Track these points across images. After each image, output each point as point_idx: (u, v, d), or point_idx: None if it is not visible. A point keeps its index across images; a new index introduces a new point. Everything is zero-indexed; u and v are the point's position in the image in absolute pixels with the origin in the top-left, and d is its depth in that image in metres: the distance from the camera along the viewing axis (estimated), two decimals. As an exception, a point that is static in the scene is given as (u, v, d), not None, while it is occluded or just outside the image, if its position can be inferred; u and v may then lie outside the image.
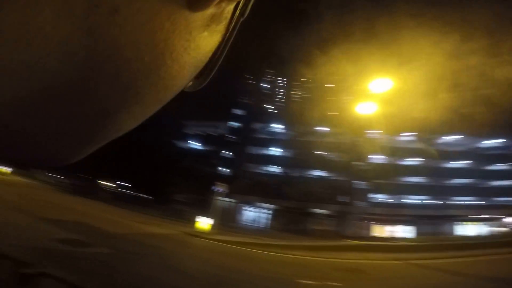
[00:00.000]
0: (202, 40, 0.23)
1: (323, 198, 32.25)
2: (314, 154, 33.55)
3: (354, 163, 32.53)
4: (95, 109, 0.20)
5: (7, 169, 23.34)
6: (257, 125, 42.30)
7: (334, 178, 32.90)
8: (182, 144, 49.36)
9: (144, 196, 40.13)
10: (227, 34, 0.28)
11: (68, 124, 0.20)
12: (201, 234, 13.37)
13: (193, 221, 19.38)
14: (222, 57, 0.30)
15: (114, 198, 33.42)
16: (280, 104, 48.63)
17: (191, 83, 0.30)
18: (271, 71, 51.88)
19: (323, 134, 35.51)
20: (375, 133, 31.03)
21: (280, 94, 50.69)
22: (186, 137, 49.90)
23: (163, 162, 39.16)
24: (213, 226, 14.61)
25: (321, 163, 32.32)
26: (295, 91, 49.08)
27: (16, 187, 16.52)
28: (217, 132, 47.94)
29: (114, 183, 41.27)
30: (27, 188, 18.04)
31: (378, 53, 23.16)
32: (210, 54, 0.27)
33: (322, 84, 38.06)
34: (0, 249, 2.51)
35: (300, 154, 34.43)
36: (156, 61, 0.20)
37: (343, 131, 32.45)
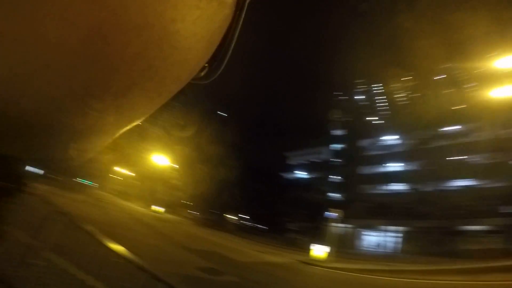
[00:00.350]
0: (212, 10, 0.22)
1: (477, 211, 24.33)
2: (449, 160, 26.47)
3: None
4: (105, 85, 0.18)
5: (160, 209, 30.74)
6: (364, 142, 38.59)
7: (487, 185, 24.40)
8: (289, 175, 51.36)
9: (261, 226, 43.89)
10: (237, 12, 0.27)
11: (76, 104, 0.18)
12: (316, 262, 12.72)
13: (308, 249, 18.93)
14: (234, 39, 0.27)
15: (237, 229, 38.17)
16: (384, 113, 42.98)
17: (205, 70, 0.28)
18: (361, 80, 47.91)
19: (454, 134, 28.12)
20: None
21: (381, 102, 44.98)
22: (292, 168, 51.58)
23: (274, 194, 42.10)
24: (329, 253, 13.61)
25: (464, 170, 25.05)
26: (397, 94, 42.60)
27: (169, 223, 21.26)
28: (321, 158, 46.89)
29: (237, 216, 47.24)
30: (175, 223, 22.77)
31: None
32: (221, 31, 0.25)
33: (428, 77, 31.57)
34: (154, 273, 3.13)
35: (430, 164, 27.85)
36: (167, 29, 0.19)
37: (481, 125, 24.77)
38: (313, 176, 42.71)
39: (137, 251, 7.32)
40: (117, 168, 44.33)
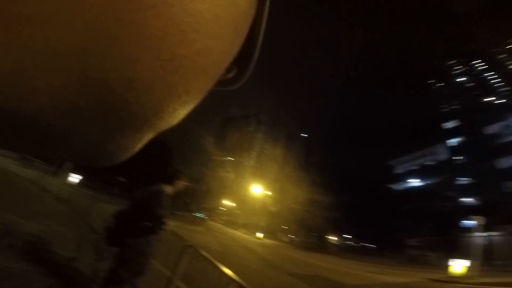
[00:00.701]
0: None
1: None
2: None
3: None
4: (124, 79, 0.15)
5: (260, 235, 32.06)
6: (492, 128, 30.41)
7: None
8: (399, 186, 45.33)
9: (369, 245, 39.46)
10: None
11: (92, 100, 0.15)
12: (455, 279, 10.47)
13: (439, 266, 15.90)
14: (262, 32, 0.24)
15: (341, 250, 35.56)
16: (502, 88, 32.64)
17: (234, 71, 0.25)
18: (454, 61, 38.94)
19: None
20: None
21: (491, 77, 34.45)
22: (400, 177, 45.69)
23: (383, 209, 38.01)
24: (470, 268, 10.78)
25: None
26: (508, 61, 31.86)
27: (270, 248, 21.76)
28: (436, 158, 39.27)
29: (339, 236, 44.11)
30: (276, 248, 23.08)
31: None
32: (246, 20, 0.21)
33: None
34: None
35: None
36: (187, 9, 0.16)
37: None
38: (431, 181, 36.06)
39: (245, 277, 7.85)
40: (223, 201, 50.27)
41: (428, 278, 11.15)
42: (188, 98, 0.20)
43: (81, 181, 16.21)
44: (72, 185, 14.40)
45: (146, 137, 0.21)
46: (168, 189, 2.23)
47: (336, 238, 44.12)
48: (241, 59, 0.24)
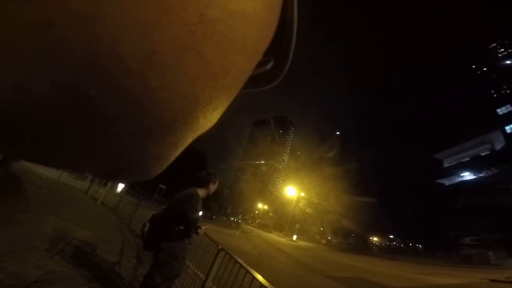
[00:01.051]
0: None
1: None
2: None
3: None
4: (142, 51, 0.11)
5: (295, 237, 31.41)
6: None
7: None
8: (449, 181, 41.59)
9: (418, 246, 36.58)
10: None
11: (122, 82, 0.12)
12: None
13: (501, 266, 14.93)
14: (296, 16, 0.20)
15: (385, 251, 33.54)
16: None
17: (271, 63, 0.21)
18: (495, 44, 34.89)
19: None
20: None
21: None
22: (450, 171, 42.01)
23: (433, 207, 35.17)
24: None
25: None
26: None
27: (306, 250, 21.21)
28: (490, 147, 35.43)
29: (383, 237, 41.65)
30: (313, 250, 22.44)
31: None
32: (277, 10, 0.18)
33: None
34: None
35: None
36: None
37: None
38: (487, 174, 32.51)
39: (279, 280, 7.73)
40: (258, 204, 50.64)
41: (487, 278, 9.94)
42: (228, 82, 0.15)
43: (123, 188, 17.43)
44: (119, 193, 15.53)
45: (182, 142, 0.17)
46: (201, 192, 2.22)
47: (379, 239, 41.81)
48: (277, 49, 0.20)
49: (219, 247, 3.02)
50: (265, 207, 49.38)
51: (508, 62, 35.44)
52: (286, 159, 63.55)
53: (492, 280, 9.51)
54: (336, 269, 12.38)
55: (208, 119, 0.16)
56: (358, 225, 35.27)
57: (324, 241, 38.50)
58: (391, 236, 41.60)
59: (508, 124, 32.97)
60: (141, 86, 0.12)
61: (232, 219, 41.85)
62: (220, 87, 0.14)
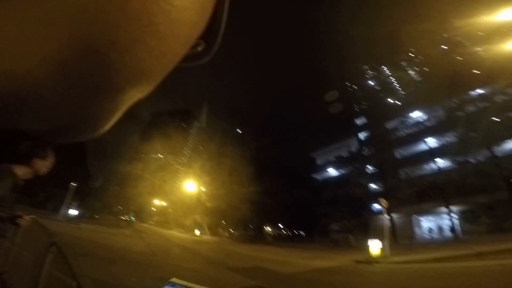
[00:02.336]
0: None
1: None
2: (489, 123, 23.42)
3: None
4: (108, 41, 0.18)
5: (197, 232, 30.86)
6: (390, 124, 36.53)
7: None
8: (320, 176, 49.80)
9: (302, 233, 42.81)
10: None
11: (80, 62, 0.18)
12: (374, 259, 11.56)
13: (360, 248, 17.48)
14: (226, 10, 0.27)
15: (278, 240, 37.62)
16: (400, 91, 40.84)
17: (202, 45, 0.28)
18: (368, 66, 47.23)
19: (482, 97, 25.24)
20: None
21: (392, 81, 43.19)
22: (321, 167, 50.33)
23: (309, 197, 41.03)
24: (384, 248, 12.23)
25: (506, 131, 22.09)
26: (409, 67, 40.51)
27: (207, 244, 21.04)
28: (348, 150, 45.11)
29: (276, 227, 46.50)
30: (214, 243, 22.49)
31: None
32: (209, 11, 0.25)
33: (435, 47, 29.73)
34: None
35: (469, 132, 24.97)
36: None
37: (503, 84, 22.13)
38: (345, 171, 40.72)
39: (180, 276, 7.04)
40: (154, 201, 46.11)
41: (353, 259, 12.17)
42: (165, 61, 0.22)
43: None
44: None
45: (129, 100, 0.23)
46: (20, 169, 1.66)
47: (271, 229, 46.02)
48: (208, 34, 0.27)
49: (52, 241, 2.37)
50: (164, 203, 45.62)
51: (371, 83, 46.33)
52: (187, 154, 60.98)
53: (357, 261, 11.79)
54: (237, 260, 12.54)
55: (150, 85, 0.23)
56: (254, 216, 37.60)
57: (226, 234, 39.17)
58: (281, 225, 46.66)
59: (361, 132, 42.57)
60: (105, 60, 0.18)
61: (122, 217, 36.42)
62: (160, 64, 0.21)
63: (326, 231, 35.66)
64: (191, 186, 38.54)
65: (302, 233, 43.23)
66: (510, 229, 19.06)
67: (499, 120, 23.31)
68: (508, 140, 23.42)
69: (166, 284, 0.58)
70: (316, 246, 24.97)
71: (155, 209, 47.70)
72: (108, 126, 0.24)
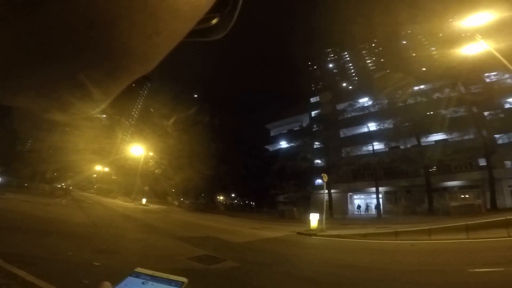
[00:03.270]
0: None
1: (454, 166, 25.82)
2: (425, 116, 26.94)
3: (490, 112, 24.80)
4: (83, 20, 0.16)
5: (143, 201, 29.74)
6: (341, 106, 39.03)
7: (464, 137, 25.57)
8: (272, 147, 51.45)
9: (252, 204, 44.77)
10: None
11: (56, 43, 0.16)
12: (313, 232, 12.79)
13: (302, 220, 18.87)
14: None
15: (229, 209, 38.57)
16: (354, 77, 43.89)
17: (216, 19, 0.25)
18: (330, 49, 48.92)
19: (423, 92, 28.80)
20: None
21: (349, 68, 46.17)
22: (274, 139, 51.91)
23: (259, 169, 42.13)
24: (321, 221, 13.72)
25: (439, 124, 25.52)
26: (366, 58, 43.45)
27: (156, 213, 20.63)
28: (299, 125, 47.19)
29: (227, 196, 47.62)
30: (163, 213, 22.10)
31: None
32: None
33: (393, 41, 32.24)
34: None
35: (404, 121, 28.59)
36: None
37: (446, 83, 25.54)
38: (295, 144, 41.73)
39: (120, 249, 6.86)
40: (96, 167, 42.10)
41: (295, 231, 13.36)
42: (161, 40, 0.19)
43: None
44: None
45: (122, 80, 0.21)
46: None
47: (224, 198, 46.69)
48: (223, 6, 0.24)
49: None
50: (106, 169, 42.06)
51: (330, 65, 47.99)
52: (135, 115, 56.31)
53: (298, 233, 12.94)
54: (187, 230, 12.67)
55: (146, 66, 0.21)
56: (207, 185, 37.29)
57: (176, 203, 38.25)
58: (233, 195, 47.60)
59: (313, 110, 44.46)
60: (85, 40, 0.16)
61: (58, 186, 32.78)
62: (154, 43, 0.19)
63: (274, 202, 37.41)
64: (138, 150, 35.80)
65: (252, 203, 44.41)
66: (421, 212, 22.95)
67: (430, 114, 26.89)
68: (435, 133, 27.46)
69: (130, 274, 0.58)
70: (264, 217, 26.54)
71: (97, 176, 44.05)
72: (97, 109, 0.23)
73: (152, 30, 0.18)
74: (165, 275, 0.59)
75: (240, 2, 0.24)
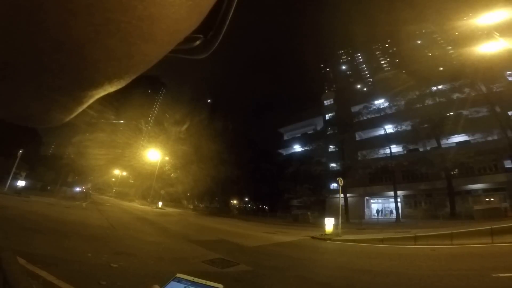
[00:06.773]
0: None
1: (478, 168, 24.41)
2: (446, 116, 25.70)
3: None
4: (54, 42, 0.16)
5: (159, 204, 30.37)
6: (356, 108, 38.26)
7: (487, 139, 24.17)
8: (285, 151, 51.13)
9: (265, 208, 44.62)
10: None
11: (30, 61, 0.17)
12: (328, 236, 12.54)
13: (316, 225, 18.57)
14: (234, 3, 0.24)
15: (243, 214, 38.59)
16: (369, 78, 43.02)
17: (200, 40, 0.25)
18: (342, 51, 48.45)
19: (442, 92, 27.62)
20: None
21: (363, 70, 45.44)
22: (287, 143, 51.70)
23: (273, 173, 41.92)
24: (337, 226, 13.43)
25: (460, 125, 24.33)
26: (380, 59, 42.48)
27: (171, 217, 21.03)
28: (313, 128, 46.69)
29: (241, 200, 47.73)
30: (178, 216, 22.46)
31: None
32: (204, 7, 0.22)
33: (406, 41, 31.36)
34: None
35: (423, 123, 27.38)
36: None
37: (466, 83, 24.35)
38: (309, 148, 41.59)
39: (138, 252, 7.02)
40: (114, 171, 43.59)
41: (309, 236, 13.14)
42: (133, 62, 0.19)
43: None
44: None
45: (89, 98, 0.21)
46: None
47: (237, 202, 46.86)
48: (208, 29, 0.24)
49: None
50: (124, 173, 43.41)
51: (343, 67, 47.55)
52: (152, 121, 57.92)
53: (313, 237, 12.73)
54: (201, 233, 12.78)
55: (117, 84, 0.21)
56: (220, 188, 37.69)
57: (191, 206, 38.89)
58: (246, 199, 47.68)
59: (327, 113, 43.99)
60: (52, 62, 0.16)
61: (78, 189, 34.18)
62: (124, 66, 0.19)
63: (288, 206, 37.07)
64: (154, 155, 36.81)
65: (266, 207, 44.38)
66: (443, 216, 21.84)
67: (450, 115, 25.75)
68: (456, 135, 26.23)
69: (171, 279, 0.63)
70: (278, 221, 26.26)
71: (115, 180, 45.58)
72: (68, 118, 0.23)
73: (123, 54, 0.18)
74: (203, 281, 0.63)
75: (225, 28, 0.24)
